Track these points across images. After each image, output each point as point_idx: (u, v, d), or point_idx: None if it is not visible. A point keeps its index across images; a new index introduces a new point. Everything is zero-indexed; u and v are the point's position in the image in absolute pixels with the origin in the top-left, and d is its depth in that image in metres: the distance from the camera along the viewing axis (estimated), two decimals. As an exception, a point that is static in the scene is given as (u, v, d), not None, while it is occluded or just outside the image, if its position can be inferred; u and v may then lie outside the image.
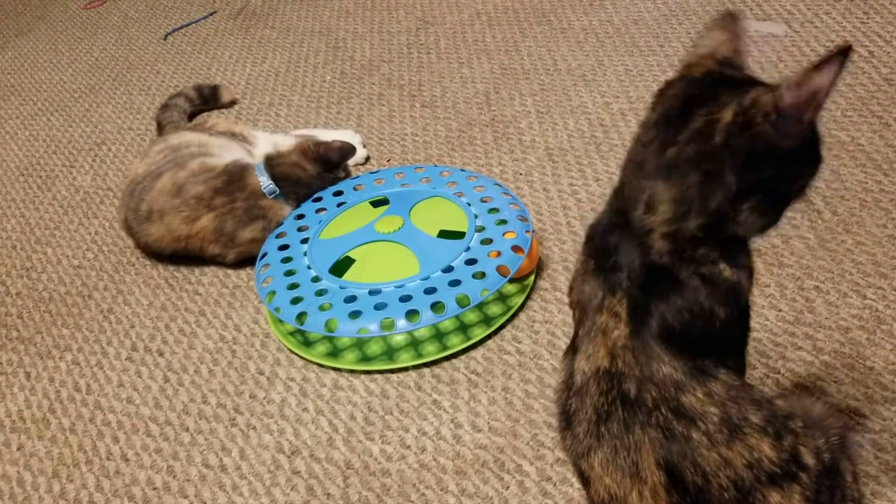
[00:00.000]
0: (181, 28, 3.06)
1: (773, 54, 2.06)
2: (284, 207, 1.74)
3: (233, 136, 1.97)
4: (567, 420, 0.94)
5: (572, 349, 0.94)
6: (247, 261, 1.74)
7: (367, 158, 2.03)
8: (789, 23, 2.18)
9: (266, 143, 2.00)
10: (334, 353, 1.48)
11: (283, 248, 1.62)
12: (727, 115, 0.80)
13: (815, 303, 1.37)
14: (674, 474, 0.83)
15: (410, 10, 2.78)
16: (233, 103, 2.41)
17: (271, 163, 1.77)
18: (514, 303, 1.50)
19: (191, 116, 2.31)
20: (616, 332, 0.88)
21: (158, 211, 1.72)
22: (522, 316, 1.48)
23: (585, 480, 0.92)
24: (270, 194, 1.72)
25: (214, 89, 2.39)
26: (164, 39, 3.00)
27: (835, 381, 1.24)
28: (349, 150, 1.82)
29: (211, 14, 3.12)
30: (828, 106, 1.79)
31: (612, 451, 0.87)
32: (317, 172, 1.78)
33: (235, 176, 1.74)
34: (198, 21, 3.08)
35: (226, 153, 1.85)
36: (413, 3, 2.82)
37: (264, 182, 1.72)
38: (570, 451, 0.94)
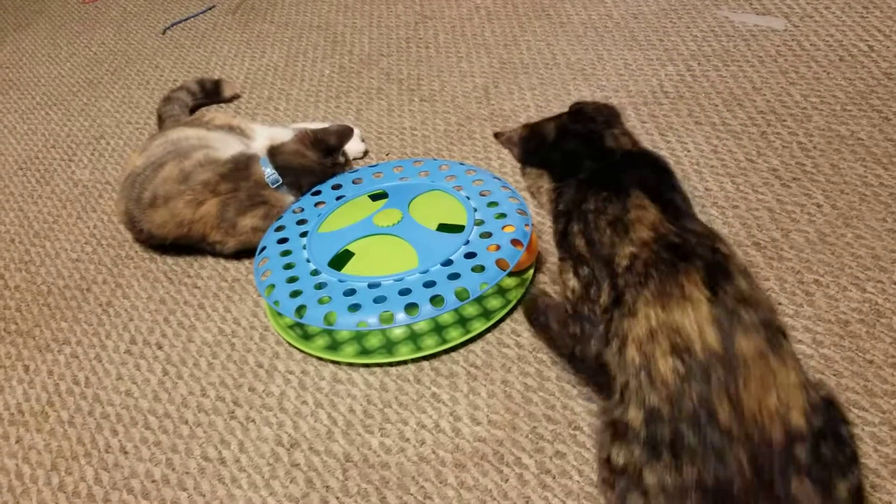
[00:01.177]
0: (180, 22, 3.05)
1: (773, 49, 2.06)
2: (287, 198, 1.75)
3: (230, 129, 1.97)
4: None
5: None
6: (245, 254, 1.74)
7: (366, 152, 2.03)
8: (789, 17, 2.18)
9: (264, 136, 2.00)
10: (333, 346, 1.48)
11: (282, 241, 1.62)
12: None
13: (815, 296, 1.37)
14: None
15: (409, 5, 2.77)
16: (235, 98, 2.41)
17: (274, 153, 1.78)
18: (513, 296, 1.50)
19: (192, 110, 2.31)
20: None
21: (163, 196, 1.72)
22: (521, 309, 1.48)
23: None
24: (274, 184, 1.72)
25: (217, 84, 2.39)
26: (163, 34, 3.00)
27: (834, 375, 1.24)
28: (347, 132, 1.83)
29: (210, 8, 3.11)
30: (828, 100, 1.80)
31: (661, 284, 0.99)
32: (317, 158, 1.79)
33: (241, 164, 1.75)
34: (196, 15, 3.08)
35: (226, 147, 1.85)
36: (412, -2, 2.82)
37: (268, 172, 1.73)
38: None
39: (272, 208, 1.73)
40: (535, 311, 1.31)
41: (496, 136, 1.38)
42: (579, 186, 1.18)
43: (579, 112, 1.29)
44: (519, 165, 1.35)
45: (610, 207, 1.10)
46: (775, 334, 0.94)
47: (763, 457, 0.88)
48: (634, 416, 0.95)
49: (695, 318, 0.93)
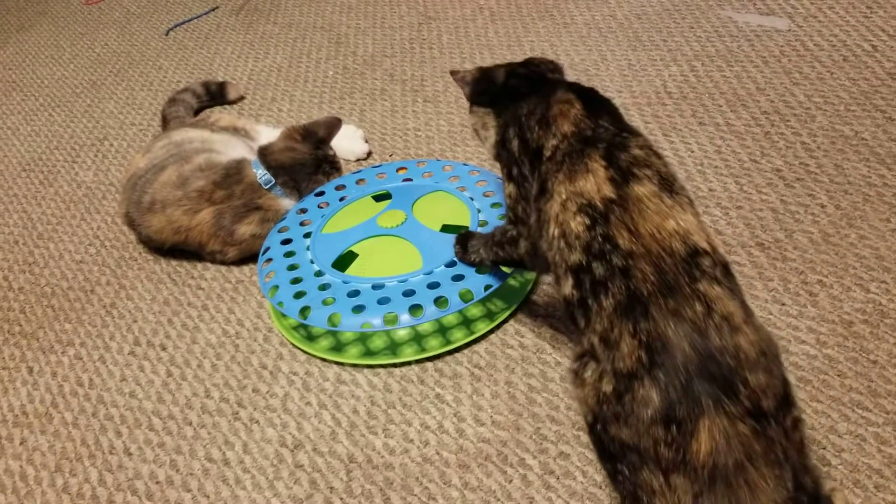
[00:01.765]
0: (183, 23, 3.05)
1: (777, 49, 2.05)
2: (282, 201, 1.75)
3: (235, 131, 1.97)
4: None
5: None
6: (249, 256, 1.74)
7: (370, 153, 2.03)
8: (792, 17, 2.18)
9: (268, 138, 2.00)
10: (337, 347, 1.48)
11: (286, 242, 1.62)
12: None
13: (819, 297, 1.37)
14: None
15: (413, 6, 2.77)
16: (239, 100, 2.41)
17: (264, 153, 1.78)
18: (516, 297, 1.50)
19: (197, 112, 2.31)
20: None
21: (161, 202, 1.72)
22: (525, 310, 1.48)
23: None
24: (266, 184, 1.73)
25: (221, 86, 2.39)
26: (166, 35, 3.00)
27: (838, 375, 1.24)
28: (335, 123, 1.85)
29: (213, 9, 3.12)
30: (831, 100, 1.80)
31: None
32: (308, 149, 1.80)
33: (233, 170, 1.74)
34: (200, 16, 3.08)
35: (229, 150, 1.85)
36: (415, -1, 2.82)
37: (260, 174, 1.73)
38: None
39: (267, 212, 1.73)
40: (464, 240, 1.45)
41: (452, 73, 1.46)
42: (516, 106, 1.27)
43: (529, 61, 1.38)
44: (468, 105, 1.42)
45: (538, 107, 1.21)
46: (670, 183, 1.05)
47: (665, 264, 0.96)
48: (567, 287, 1.04)
49: (594, 181, 1.04)
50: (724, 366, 0.91)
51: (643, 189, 1.03)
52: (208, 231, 1.71)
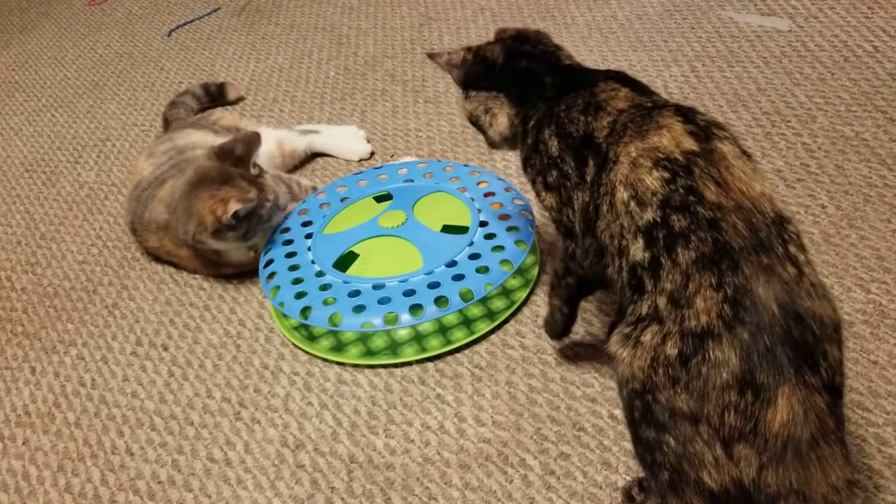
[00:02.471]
0: (185, 24, 3.06)
1: (777, 50, 2.06)
2: (225, 244, 1.64)
3: (237, 130, 1.97)
4: None
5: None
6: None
7: (372, 154, 2.03)
8: (793, 18, 2.18)
9: (271, 139, 2.00)
10: (338, 347, 1.48)
11: (287, 242, 1.62)
12: None
13: (819, 297, 1.37)
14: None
15: (414, 7, 2.78)
16: (239, 101, 2.41)
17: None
18: (517, 297, 1.50)
19: (197, 114, 2.31)
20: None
21: (156, 222, 1.72)
22: (526, 311, 1.49)
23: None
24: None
25: (221, 87, 2.40)
26: (168, 36, 3.00)
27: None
28: (253, 139, 1.66)
29: (214, 10, 3.12)
30: (832, 101, 1.80)
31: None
32: (221, 165, 1.63)
33: None
34: (201, 17, 3.09)
35: None
36: (417, 0, 2.82)
37: None
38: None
39: (222, 256, 1.68)
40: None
41: (430, 56, 1.36)
42: (549, 103, 1.19)
43: (519, 36, 1.30)
44: (461, 90, 1.33)
45: (580, 98, 1.14)
46: (747, 152, 1.02)
47: (757, 221, 0.93)
48: (636, 252, 0.98)
49: (671, 136, 1.00)
50: (810, 333, 0.88)
51: (726, 147, 0.99)
52: (194, 263, 1.72)
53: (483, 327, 1.45)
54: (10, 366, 1.63)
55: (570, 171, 1.12)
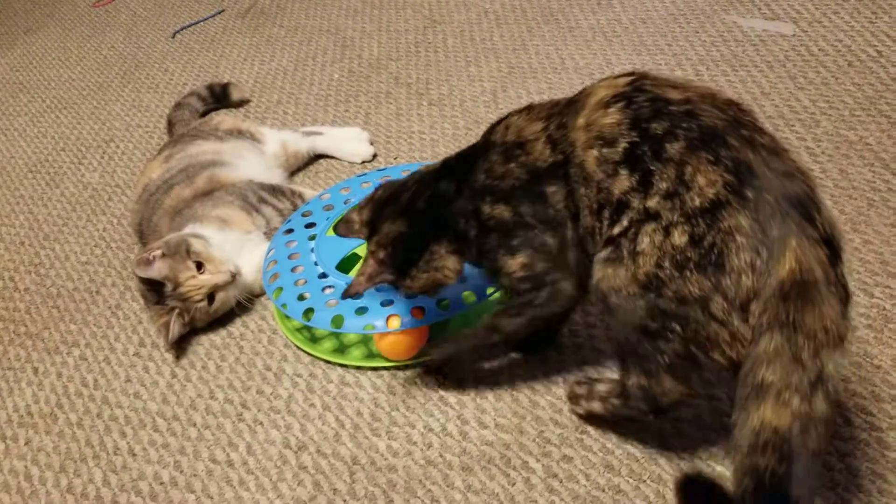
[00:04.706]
0: (189, 26, 3.06)
1: (781, 54, 2.06)
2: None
3: (240, 133, 1.97)
4: None
5: None
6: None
7: (375, 156, 2.03)
8: (797, 22, 2.18)
9: (275, 140, 2.01)
10: (341, 349, 1.48)
11: (291, 244, 1.62)
12: None
13: (823, 301, 1.37)
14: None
15: (418, 9, 2.78)
16: (244, 103, 2.41)
17: None
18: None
19: (202, 115, 2.32)
20: None
21: (159, 232, 1.72)
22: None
23: None
24: None
25: (225, 88, 2.40)
26: (173, 37, 3.01)
27: (842, 380, 1.24)
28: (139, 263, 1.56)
29: (219, 12, 3.13)
30: (836, 105, 1.80)
31: None
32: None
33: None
34: (206, 19, 3.09)
35: (238, 161, 1.85)
36: (421, 2, 2.82)
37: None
38: None
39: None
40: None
41: (347, 294, 1.24)
42: (460, 198, 1.19)
43: (372, 196, 1.29)
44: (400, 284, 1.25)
45: (491, 156, 1.16)
46: None
47: (722, 104, 1.01)
48: (621, 185, 1.01)
49: (604, 88, 1.07)
50: (802, 188, 0.94)
51: (656, 73, 1.08)
52: None
53: (486, 330, 1.45)
54: (13, 366, 1.63)
55: (532, 221, 1.13)
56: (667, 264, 0.96)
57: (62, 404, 1.52)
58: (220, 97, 2.38)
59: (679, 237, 0.95)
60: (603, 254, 1.03)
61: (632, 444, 1.21)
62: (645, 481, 1.16)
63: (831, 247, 0.93)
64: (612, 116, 1.03)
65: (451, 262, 1.21)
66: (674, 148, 0.97)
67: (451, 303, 1.39)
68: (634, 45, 2.25)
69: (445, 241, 1.20)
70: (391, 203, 1.24)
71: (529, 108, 1.18)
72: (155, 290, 1.56)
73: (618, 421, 1.22)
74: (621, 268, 1.00)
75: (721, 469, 1.15)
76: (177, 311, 1.53)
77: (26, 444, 1.46)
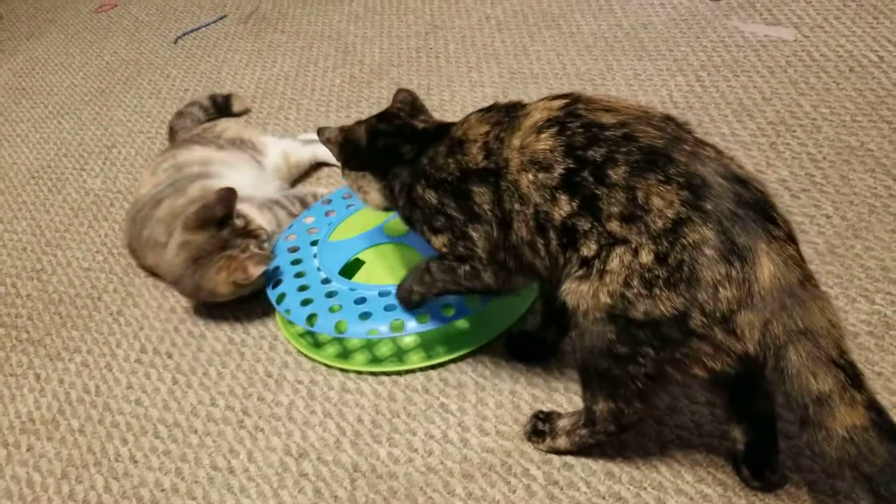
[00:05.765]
0: (191, 32, 3.07)
1: (783, 59, 2.06)
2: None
3: (241, 143, 1.97)
4: None
5: None
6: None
7: None
8: (798, 28, 2.18)
9: (276, 149, 2.00)
10: (344, 354, 1.48)
11: (293, 250, 1.62)
12: None
13: (824, 308, 1.37)
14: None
15: (420, 15, 2.78)
16: (245, 113, 2.41)
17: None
18: (522, 305, 1.50)
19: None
20: None
21: (153, 242, 1.70)
22: (530, 319, 1.48)
23: None
24: None
25: (227, 98, 2.39)
26: (175, 43, 3.01)
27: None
28: (229, 196, 1.61)
29: (221, 18, 3.13)
30: (837, 111, 1.80)
31: None
32: (209, 234, 1.59)
33: None
34: (208, 25, 3.10)
35: (229, 171, 1.84)
36: (422, 8, 2.83)
37: None
38: None
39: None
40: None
41: (318, 132, 1.45)
42: (411, 166, 1.27)
43: (381, 115, 1.38)
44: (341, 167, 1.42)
45: (441, 146, 1.22)
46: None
47: (658, 122, 1.01)
48: (561, 209, 1.03)
49: (539, 111, 1.09)
50: (756, 192, 0.95)
51: (590, 94, 1.08)
52: (188, 291, 1.66)
53: (489, 335, 1.45)
54: (15, 372, 1.63)
55: (455, 213, 1.18)
56: (635, 282, 0.96)
57: (64, 411, 1.52)
58: (222, 108, 2.38)
59: (645, 257, 0.96)
60: (577, 273, 1.03)
61: (632, 450, 1.21)
62: (645, 488, 1.16)
63: (794, 240, 0.95)
64: (545, 142, 1.04)
65: (373, 194, 1.35)
66: (617, 173, 0.98)
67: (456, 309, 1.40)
68: (636, 51, 2.25)
69: (378, 178, 1.33)
70: (378, 122, 1.36)
71: (489, 109, 1.22)
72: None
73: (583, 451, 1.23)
74: (587, 284, 1.01)
75: (723, 477, 1.15)
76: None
77: (28, 450, 1.46)
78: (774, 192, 1.61)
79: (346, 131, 1.39)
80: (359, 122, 1.38)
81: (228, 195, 1.60)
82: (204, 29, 3.08)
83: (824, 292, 0.94)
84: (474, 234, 1.17)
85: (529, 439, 1.25)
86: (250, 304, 1.67)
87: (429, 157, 1.23)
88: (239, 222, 1.62)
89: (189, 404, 1.47)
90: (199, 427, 1.42)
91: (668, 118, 1.04)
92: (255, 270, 1.53)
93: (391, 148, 1.31)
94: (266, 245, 1.65)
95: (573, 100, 1.08)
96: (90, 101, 2.71)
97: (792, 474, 1.13)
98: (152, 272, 1.79)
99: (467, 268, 1.22)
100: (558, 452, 1.23)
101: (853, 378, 0.90)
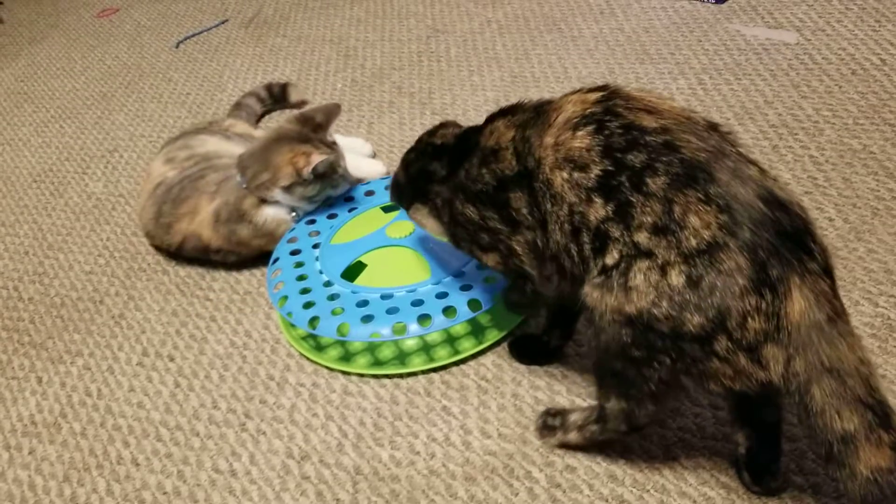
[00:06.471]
0: (193, 36, 3.07)
1: (785, 63, 2.06)
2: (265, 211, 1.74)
3: (251, 138, 1.97)
4: None
5: None
6: (257, 265, 1.75)
7: (388, 174, 1.99)
8: (800, 31, 2.18)
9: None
10: (346, 357, 1.48)
11: (295, 252, 1.63)
12: None
13: (827, 310, 1.37)
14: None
15: (421, 19, 2.78)
16: (302, 104, 2.38)
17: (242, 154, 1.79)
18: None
19: (261, 117, 2.35)
20: None
21: (193, 208, 1.76)
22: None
23: None
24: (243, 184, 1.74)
25: (284, 88, 2.40)
26: (176, 47, 3.02)
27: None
28: (334, 109, 1.80)
29: (223, 22, 3.13)
30: (840, 114, 1.80)
31: None
32: (304, 130, 1.75)
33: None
34: (209, 29, 3.10)
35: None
36: (424, 12, 2.83)
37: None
38: None
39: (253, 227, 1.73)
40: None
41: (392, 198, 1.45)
42: (446, 182, 1.25)
43: (411, 150, 1.38)
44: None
45: (474, 157, 1.18)
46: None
47: (701, 131, 0.97)
48: (597, 212, 0.99)
49: (573, 104, 1.04)
50: (797, 219, 0.92)
51: (628, 88, 1.05)
52: (217, 238, 1.74)
53: (491, 337, 1.45)
54: (17, 375, 1.63)
55: (499, 225, 1.15)
56: (664, 304, 0.93)
57: (66, 414, 1.52)
58: (278, 98, 2.38)
59: (676, 277, 0.92)
60: (597, 280, 1.00)
61: (635, 453, 1.21)
62: (648, 491, 1.16)
63: (829, 274, 0.92)
64: (582, 140, 1.00)
65: (429, 223, 1.33)
66: (656, 183, 0.94)
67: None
68: (637, 54, 2.25)
69: (424, 205, 1.32)
70: (409, 156, 1.37)
71: (514, 110, 1.17)
72: None
73: (594, 446, 1.22)
74: (610, 296, 0.98)
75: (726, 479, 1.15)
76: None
77: (30, 453, 1.46)
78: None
79: (393, 179, 1.41)
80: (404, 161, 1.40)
81: (333, 108, 1.79)
82: (206, 33, 3.08)
83: (854, 329, 0.91)
84: (518, 249, 1.14)
85: (540, 436, 1.25)
86: (252, 306, 1.67)
87: (464, 170, 1.19)
88: (329, 138, 1.76)
89: (191, 407, 1.47)
90: (201, 430, 1.42)
91: (712, 127, 1.00)
92: (315, 159, 1.65)
93: (422, 170, 1.30)
94: (339, 170, 1.74)
95: (611, 93, 1.04)
96: (92, 105, 2.71)
97: (796, 477, 1.13)
98: (176, 245, 1.79)
99: (525, 283, 1.22)
100: (568, 447, 1.22)
101: (882, 417, 0.88)
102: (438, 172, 1.27)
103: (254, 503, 1.27)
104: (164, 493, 1.32)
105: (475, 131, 1.22)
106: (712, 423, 1.22)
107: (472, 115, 2.15)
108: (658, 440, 1.22)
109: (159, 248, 1.87)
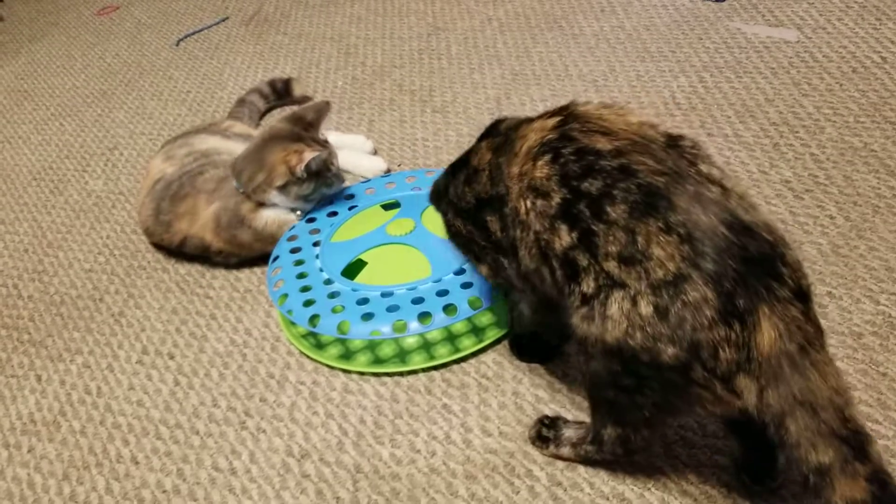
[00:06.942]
0: (193, 34, 3.07)
1: (785, 60, 2.05)
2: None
3: (250, 137, 1.97)
4: None
5: None
6: (257, 263, 1.75)
7: (389, 171, 1.99)
8: (801, 29, 2.18)
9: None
10: (347, 355, 1.48)
11: (295, 251, 1.62)
12: None
13: (828, 308, 1.37)
14: None
15: (422, 16, 2.78)
16: (305, 99, 2.38)
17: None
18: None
19: (265, 113, 2.34)
20: None
21: (192, 207, 1.76)
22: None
23: None
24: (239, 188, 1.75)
25: (287, 83, 2.39)
26: (177, 45, 3.01)
27: (847, 388, 1.23)
28: (324, 107, 1.81)
29: (223, 20, 3.13)
30: (841, 111, 1.80)
31: None
32: (295, 128, 1.76)
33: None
34: (210, 27, 3.10)
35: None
36: (424, 9, 2.82)
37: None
38: None
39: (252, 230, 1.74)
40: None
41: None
42: (444, 197, 1.28)
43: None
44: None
45: (461, 175, 1.20)
46: (608, 105, 1.07)
47: (657, 151, 0.95)
48: (562, 240, 0.98)
49: (533, 132, 1.04)
50: (763, 243, 0.89)
51: (587, 106, 1.04)
52: (218, 240, 1.74)
53: (492, 335, 1.44)
54: (16, 373, 1.63)
55: (483, 242, 1.17)
56: (638, 335, 0.92)
57: (65, 412, 1.52)
58: (281, 93, 2.38)
59: (645, 308, 0.91)
60: (582, 310, 0.99)
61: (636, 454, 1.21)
62: (649, 488, 1.16)
63: (802, 296, 0.90)
64: (541, 170, 1.00)
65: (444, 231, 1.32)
66: (616, 212, 0.92)
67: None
68: (638, 52, 2.25)
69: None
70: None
71: (493, 132, 1.19)
72: None
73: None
74: (593, 325, 0.97)
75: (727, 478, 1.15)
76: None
77: (29, 451, 1.45)
78: (778, 193, 1.61)
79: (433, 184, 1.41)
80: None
81: (323, 106, 1.81)
82: (206, 31, 3.08)
83: (829, 356, 0.90)
84: (503, 262, 1.15)
85: (533, 444, 1.25)
86: (252, 304, 1.66)
87: (453, 187, 1.23)
88: (321, 136, 1.78)
89: (191, 405, 1.47)
90: (201, 428, 1.42)
91: (670, 144, 0.97)
92: (307, 156, 1.65)
93: (435, 186, 1.33)
94: (333, 168, 1.75)
95: (566, 116, 1.03)
96: (92, 103, 2.71)
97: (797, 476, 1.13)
98: (176, 243, 1.79)
99: (523, 303, 1.25)
100: (561, 460, 1.22)
101: (856, 449, 0.86)
102: (440, 186, 1.30)
103: (254, 501, 1.27)
104: (164, 492, 1.32)
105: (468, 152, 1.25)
106: (712, 420, 1.22)
107: (472, 113, 2.14)
108: (659, 438, 1.21)
109: (159, 246, 1.87)
